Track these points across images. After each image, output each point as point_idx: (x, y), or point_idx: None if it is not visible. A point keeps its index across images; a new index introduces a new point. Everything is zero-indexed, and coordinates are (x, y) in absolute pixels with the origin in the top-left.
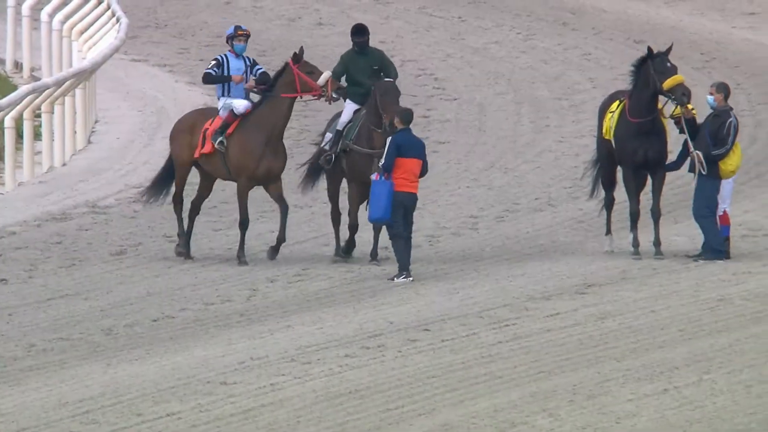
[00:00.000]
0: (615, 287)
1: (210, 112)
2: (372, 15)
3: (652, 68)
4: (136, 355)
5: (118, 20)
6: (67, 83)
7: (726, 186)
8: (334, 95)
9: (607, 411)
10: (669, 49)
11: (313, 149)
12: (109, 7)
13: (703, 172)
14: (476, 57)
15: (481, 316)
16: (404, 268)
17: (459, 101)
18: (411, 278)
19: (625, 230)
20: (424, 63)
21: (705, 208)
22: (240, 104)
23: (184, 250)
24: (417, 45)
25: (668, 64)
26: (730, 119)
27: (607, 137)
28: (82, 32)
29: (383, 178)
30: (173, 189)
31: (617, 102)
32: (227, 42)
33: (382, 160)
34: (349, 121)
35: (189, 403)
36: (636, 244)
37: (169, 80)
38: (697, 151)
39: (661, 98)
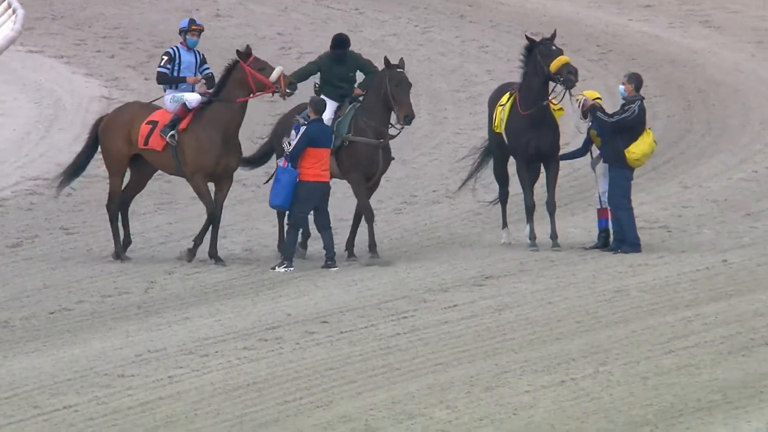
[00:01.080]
0: (512, 279)
1: (148, 106)
2: (269, 7)
3: (538, 54)
4: (33, 347)
5: (14, 11)
6: None
7: None
8: (287, 90)
9: (505, 402)
10: (554, 35)
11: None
12: None
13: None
14: (374, 49)
15: (380, 308)
16: (288, 258)
17: None
18: (292, 269)
19: (522, 222)
20: None
21: (623, 199)
22: (192, 98)
23: (122, 253)
24: (315, 37)
25: (553, 47)
26: (633, 106)
27: (497, 130)
28: None
29: (290, 166)
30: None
31: (507, 94)
32: (180, 34)
33: (290, 148)
34: (336, 118)
35: (86, 395)
36: (532, 236)
37: (65, 72)
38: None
39: (554, 91)
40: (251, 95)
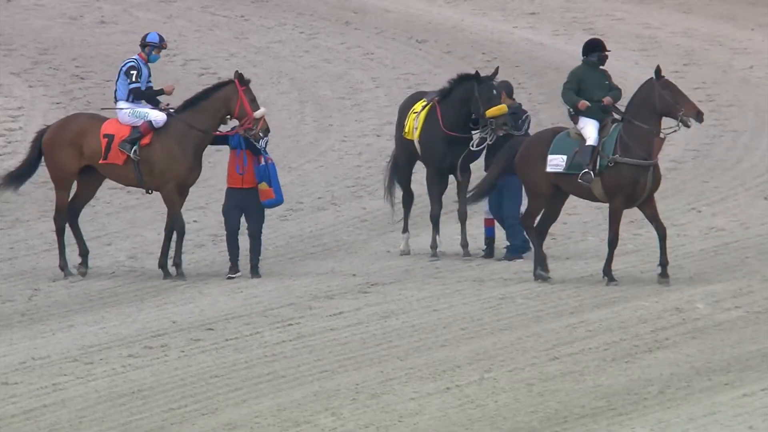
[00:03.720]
0: (398, 286)
1: (95, 117)
2: (155, 14)
3: (476, 92)
4: None
5: None
6: None
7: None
8: (261, 134)
9: (390, 410)
10: (495, 73)
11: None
12: None
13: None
14: (259, 56)
15: (265, 315)
16: (254, 266)
17: None
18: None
19: (420, 230)
20: (207, 62)
21: (516, 209)
22: (159, 118)
23: (66, 267)
24: (200, 44)
25: (494, 92)
26: (527, 113)
27: (408, 137)
28: None
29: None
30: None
31: (422, 102)
32: (143, 48)
33: (262, 143)
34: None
35: None
36: (435, 245)
37: None
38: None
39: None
40: (225, 122)
